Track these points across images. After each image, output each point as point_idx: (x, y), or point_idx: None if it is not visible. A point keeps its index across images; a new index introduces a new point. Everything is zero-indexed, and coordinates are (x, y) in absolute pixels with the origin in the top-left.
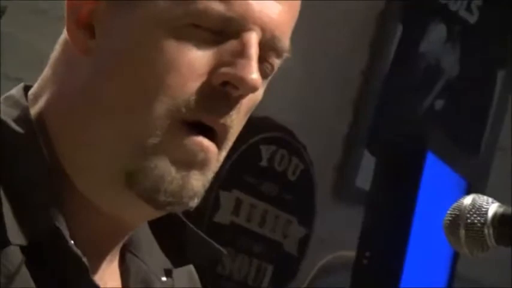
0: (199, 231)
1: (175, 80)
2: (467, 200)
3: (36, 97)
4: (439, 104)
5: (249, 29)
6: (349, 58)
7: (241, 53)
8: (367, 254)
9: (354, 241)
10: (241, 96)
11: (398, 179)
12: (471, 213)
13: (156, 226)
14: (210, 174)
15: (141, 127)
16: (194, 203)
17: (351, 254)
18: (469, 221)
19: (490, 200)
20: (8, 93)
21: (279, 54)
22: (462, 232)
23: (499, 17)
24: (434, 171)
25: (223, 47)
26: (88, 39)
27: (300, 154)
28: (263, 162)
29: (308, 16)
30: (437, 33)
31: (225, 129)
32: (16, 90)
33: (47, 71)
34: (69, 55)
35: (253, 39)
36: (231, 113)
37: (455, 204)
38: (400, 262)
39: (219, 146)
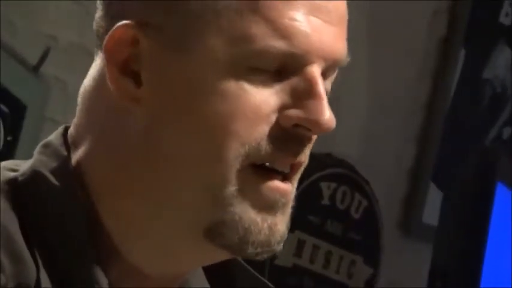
0: (255, 273)
1: (243, 125)
2: None
3: (75, 145)
4: (507, 132)
5: (311, 62)
6: (413, 89)
7: (309, 91)
8: None
9: (423, 280)
10: (314, 135)
11: (468, 213)
12: None
13: (209, 271)
14: (289, 211)
15: (216, 177)
16: (281, 246)
17: None
18: None
19: None
20: (47, 140)
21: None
22: None
23: None
24: (506, 202)
25: (286, 84)
26: (135, 87)
27: (363, 190)
28: (324, 200)
29: (370, 51)
30: (502, 57)
31: (299, 165)
32: (55, 137)
33: (81, 118)
34: (110, 103)
35: (317, 73)
36: (304, 151)
37: None
38: None
39: (292, 182)
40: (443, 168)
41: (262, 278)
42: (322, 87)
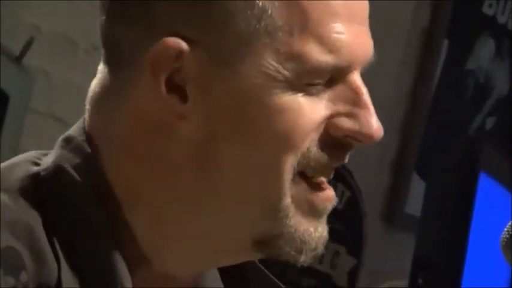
0: (269, 274)
1: (300, 138)
2: None
3: (94, 144)
4: (490, 122)
5: (354, 70)
6: (396, 80)
7: (357, 101)
8: (420, 282)
9: (406, 270)
10: None
11: (451, 203)
12: None
13: (224, 270)
14: None
15: (273, 190)
16: (322, 248)
17: (403, 283)
18: None
19: None
20: (68, 134)
21: None
22: None
23: None
24: (488, 192)
25: (332, 93)
26: (180, 103)
27: (345, 180)
28: None
29: None
30: (485, 48)
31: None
32: (77, 132)
33: (98, 123)
34: (146, 117)
35: (360, 81)
36: (348, 155)
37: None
38: None
39: None
40: (426, 159)
41: (277, 281)
42: (368, 95)
